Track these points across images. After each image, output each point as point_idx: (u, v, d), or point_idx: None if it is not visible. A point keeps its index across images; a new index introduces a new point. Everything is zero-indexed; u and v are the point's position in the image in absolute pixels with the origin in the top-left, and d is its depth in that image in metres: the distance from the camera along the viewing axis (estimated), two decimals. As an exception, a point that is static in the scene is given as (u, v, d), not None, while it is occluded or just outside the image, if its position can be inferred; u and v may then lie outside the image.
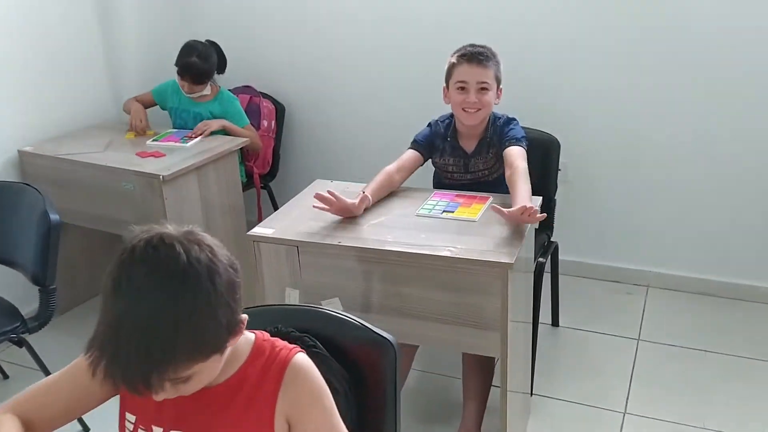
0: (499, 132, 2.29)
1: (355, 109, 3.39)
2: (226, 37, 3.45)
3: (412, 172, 2.32)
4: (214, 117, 3.10)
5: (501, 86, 2.29)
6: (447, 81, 2.28)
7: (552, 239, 2.69)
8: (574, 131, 3.04)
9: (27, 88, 2.92)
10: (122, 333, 0.99)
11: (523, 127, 2.57)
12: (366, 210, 2.11)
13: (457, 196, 2.21)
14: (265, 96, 3.43)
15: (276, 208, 3.42)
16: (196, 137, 2.90)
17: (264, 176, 3.41)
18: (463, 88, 2.22)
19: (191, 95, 3.05)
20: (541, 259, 2.49)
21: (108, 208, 2.74)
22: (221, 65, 3.14)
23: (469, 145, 2.32)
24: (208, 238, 1.08)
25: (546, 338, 2.81)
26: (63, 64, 3.05)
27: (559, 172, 3.04)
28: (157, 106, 3.18)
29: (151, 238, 1.03)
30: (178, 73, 3.00)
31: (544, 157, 2.62)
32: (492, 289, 1.82)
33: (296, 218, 2.10)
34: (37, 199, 2.29)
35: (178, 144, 2.87)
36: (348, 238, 1.95)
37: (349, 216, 2.05)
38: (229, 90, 3.40)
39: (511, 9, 2.99)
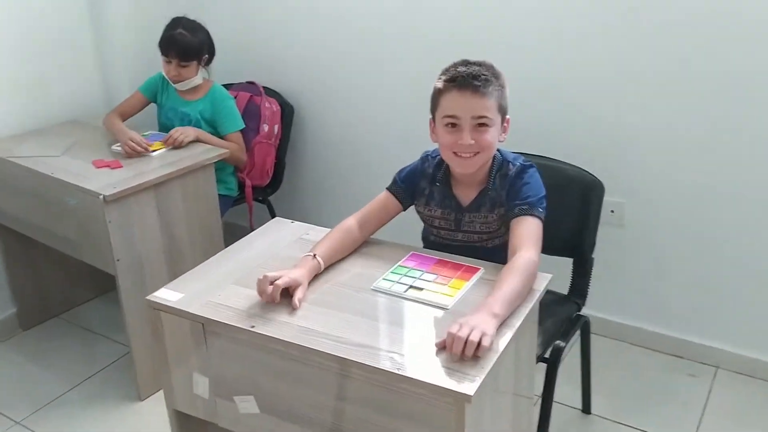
0: (508, 186, 1.69)
1: (375, 112, 2.83)
2: (231, 28, 3.00)
3: (384, 224, 1.76)
4: (204, 119, 2.65)
5: (508, 116, 1.69)
6: (432, 112, 1.69)
7: (582, 312, 2.07)
8: (634, 167, 2.39)
9: (6, 75, 2.60)
10: None
11: (557, 162, 1.97)
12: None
13: (438, 262, 1.64)
14: (271, 94, 2.94)
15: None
16: (167, 145, 2.46)
17: (264, 188, 2.94)
18: (453, 125, 1.63)
19: (179, 84, 2.61)
20: (559, 343, 1.88)
21: (54, 223, 2.36)
22: (210, 52, 2.68)
23: (465, 195, 1.74)
24: None
25: (573, 429, 2.21)
26: (50, 51, 2.71)
27: (611, 213, 2.43)
28: (150, 103, 2.76)
29: None
30: (162, 52, 2.56)
31: (582, 203, 2.00)
32: (443, 423, 1.26)
33: (222, 276, 1.61)
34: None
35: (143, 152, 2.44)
36: (265, 322, 1.43)
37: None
38: (230, 86, 2.95)
39: (548, 16, 2.35)
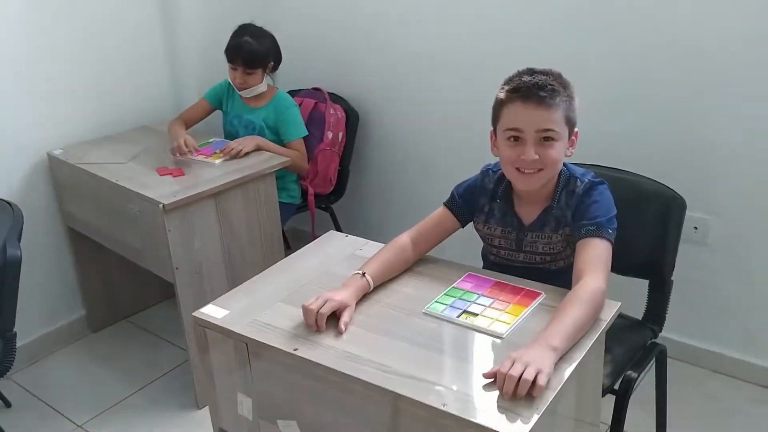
0: (575, 205, 1.55)
1: (442, 120, 2.74)
2: (299, 34, 2.98)
3: (440, 241, 1.66)
4: (268, 127, 2.63)
5: (576, 129, 1.56)
6: (494, 124, 1.58)
7: (659, 339, 1.90)
8: (721, 180, 2.19)
9: (83, 82, 2.65)
10: None
11: (633, 175, 1.83)
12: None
13: (496, 285, 1.54)
14: (337, 100, 2.89)
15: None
16: (225, 156, 2.45)
17: (327, 196, 2.90)
18: (516, 138, 1.51)
19: (245, 91, 2.59)
20: (630, 373, 1.73)
21: (119, 230, 2.39)
22: (276, 59, 2.65)
23: (527, 214, 1.62)
24: None
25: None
26: (122, 58, 2.75)
27: (695, 230, 2.25)
28: (215, 111, 2.77)
29: None
30: (229, 59, 2.56)
31: (661, 220, 1.84)
32: (493, 466, 1.16)
33: (270, 294, 1.56)
34: (12, 224, 1.96)
35: (206, 159, 2.43)
36: (309, 345, 1.37)
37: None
38: (297, 92, 2.93)
39: (626, 24, 2.18)
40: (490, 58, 2.50)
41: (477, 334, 1.38)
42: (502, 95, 1.53)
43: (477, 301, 1.47)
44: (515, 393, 1.17)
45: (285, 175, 2.65)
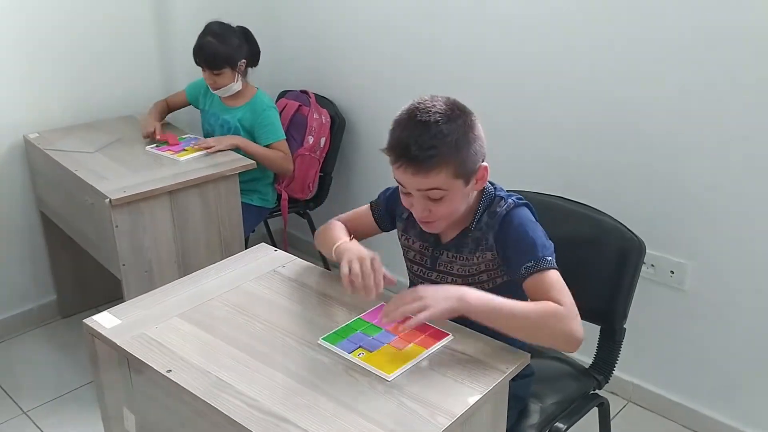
0: (497, 230, 1.43)
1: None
2: (291, 34, 2.93)
3: (365, 238, 1.60)
4: (243, 128, 2.57)
5: (483, 164, 1.40)
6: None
7: (612, 389, 1.75)
8: (700, 224, 2.03)
9: (67, 67, 2.64)
10: None
11: (593, 211, 1.73)
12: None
13: (405, 319, 1.42)
14: (326, 104, 2.81)
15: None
16: (201, 150, 2.39)
17: (306, 202, 2.82)
18: (406, 192, 1.40)
19: (219, 91, 2.53)
20: (559, 425, 1.59)
21: (78, 220, 2.37)
22: (253, 55, 2.57)
23: (445, 232, 1.50)
24: None
25: None
26: (109, 44, 2.73)
27: (671, 275, 2.10)
28: (191, 106, 2.73)
29: None
30: (195, 61, 2.49)
31: (617, 263, 1.69)
32: None
33: (169, 306, 1.49)
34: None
35: (173, 156, 2.38)
36: (186, 368, 1.29)
37: None
38: (285, 93, 2.86)
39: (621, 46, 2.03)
40: (481, 65, 2.39)
41: (364, 376, 1.27)
42: (385, 147, 1.39)
43: (377, 337, 1.36)
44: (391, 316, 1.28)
45: (259, 177, 2.58)
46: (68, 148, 2.43)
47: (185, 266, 2.28)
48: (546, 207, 1.69)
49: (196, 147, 2.42)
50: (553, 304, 1.32)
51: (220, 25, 2.49)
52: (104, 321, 1.43)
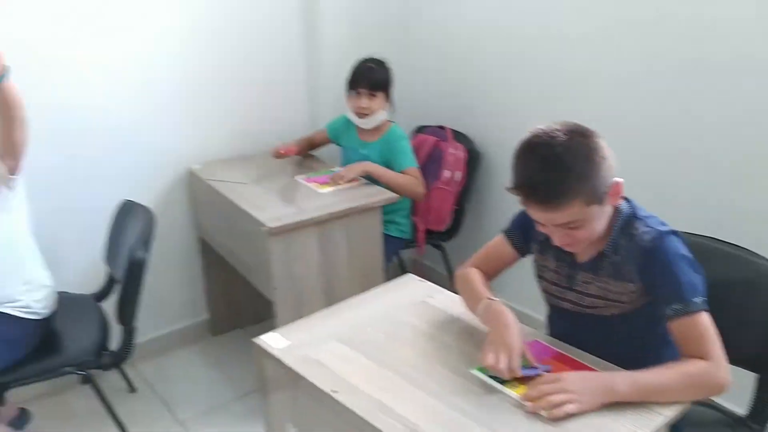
0: (642, 262, 1.42)
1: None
2: (429, 71, 3.04)
3: (501, 271, 1.67)
4: (380, 160, 2.69)
5: (615, 180, 1.37)
6: None
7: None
8: None
9: (227, 105, 2.88)
10: None
11: (745, 252, 1.67)
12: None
13: (556, 357, 1.45)
14: (462, 139, 2.90)
15: (450, 272, 2.92)
16: (335, 182, 2.54)
17: (440, 234, 2.91)
18: (543, 224, 1.43)
19: (364, 120, 2.66)
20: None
21: (236, 246, 2.58)
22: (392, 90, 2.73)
23: (582, 251, 1.51)
24: None
25: None
26: (264, 85, 2.96)
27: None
28: (332, 143, 2.91)
29: None
30: (352, 85, 2.67)
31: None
32: None
33: (331, 331, 1.60)
34: (143, 229, 2.19)
35: (316, 188, 2.54)
36: (349, 390, 1.39)
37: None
38: (422, 129, 2.98)
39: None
40: (625, 96, 2.38)
41: (518, 408, 1.31)
42: (511, 183, 1.40)
43: (530, 372, 1.40)
44: (535, 404, 1.27)
45: (397, 209, 2.69)
46: (228, 179, 2.65)
47: (330, 292, 2.41)
48: (696, 248, 1.66)
49: (333, 180, 2.57)
50: (701, 363, 1.32)
51: (375, 58, 2.69)
52: (273, 341, 1.56)
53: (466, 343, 1.54)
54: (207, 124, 2.87)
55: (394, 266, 3.12)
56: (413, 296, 1.74)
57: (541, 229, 1.45)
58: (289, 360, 1.49)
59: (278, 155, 2.74)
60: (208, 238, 2.86)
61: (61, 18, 2.40)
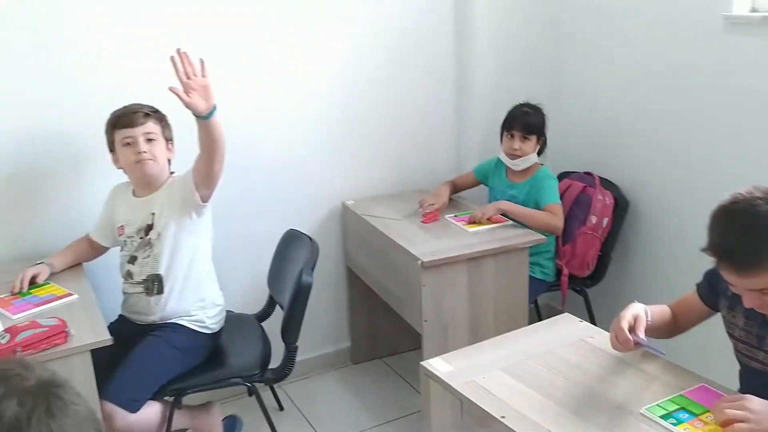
0: None
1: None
2: (578, 117, 3.07)
3: (692, 326, 1.69)
4: (528, 201, 2.75)
5: None
6: None
7: None
8: None
9: (382, 146, 3.06)
10: None
11: None
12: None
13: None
14: (608, 186, 2.91)
15: (591, 318, 2.90)
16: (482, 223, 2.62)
17: (583, 279, 2.90)
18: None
19: (516, 161, 2.74)
20: None
21: (386, 278, 2.70)
22: (545, 137, 2.81)
23: None
24: None
25: None
26: (416, 127, 3.11)
27: None
28: (480, 185, 3.00)
29: None
30: (506, 127, 2.76)
31: None
32: None
33: (493, 360, 1.66)
34: (308, 256, 2.36)
35: (463, 226, 2.63)
36: (517, 417, 1.44)
37: None
38: (568, 174, 3.02)
39: None
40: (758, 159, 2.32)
41: (690, 449, 1.32)
42: (708, 251, 1.41)
43: (702, 417, 1.40)
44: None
45: (541, 251, 2.73)
46: (380, 215, 2.80)
47: (475, 329, 2.48)
48: None
49: (473, 220, 2.65)
50: None
51: (530, 103, 2.78)
52: (439, 366, 1.64)
53: (630, 382, 1.55)
54: (360, 164, 3.05)
55: (531, 310, 3.13)
56: (572, 335, 1.78)
57: (732, 289, 1.45)
58: (456, 383, 1.57)
59: (423, 216, 2.75)
60: (355, 268, 3.01)
61: (243, 68, 2.69)
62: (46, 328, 1.78)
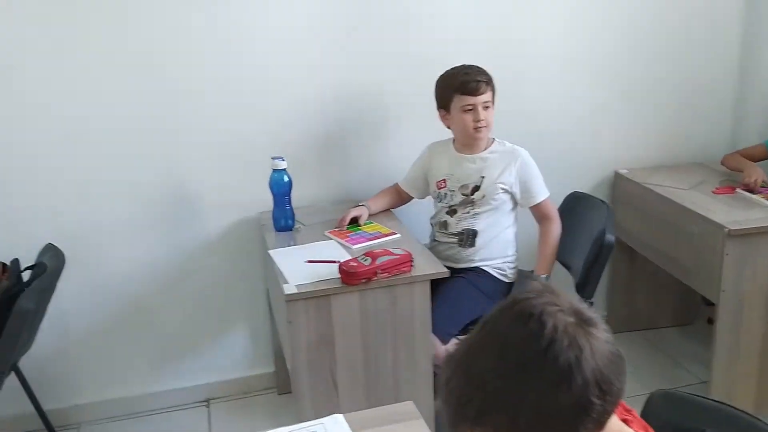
0: None
1: None
2: None
3: None
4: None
5: None
6: None
7: None
8: None
9: (658, 117, 3.04)
10: None
11: None
12: None
13: None
14: None
15: None
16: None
17: None
18: None
19: None
20: None
21: (672, 248, 2.66)
22: None
23: None
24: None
25: None
26: (691, 98, 3.05)
27: None
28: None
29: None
30: None
31: None
32: None
33: None
34: (606, 217, 2.41)
35: (759, 199, 2.52)
36: None
37: None
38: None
39: None
40: None
41: None
42: None
43: None
44: None
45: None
46: (663, 184, 2.77)
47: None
48: None
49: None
50: None
51: None
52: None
53: None
54: (634, 133, 3.03)
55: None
56: None
57: None
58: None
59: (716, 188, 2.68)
60: (625, 237, 2.99)
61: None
62: (398, 256, 1.98)
